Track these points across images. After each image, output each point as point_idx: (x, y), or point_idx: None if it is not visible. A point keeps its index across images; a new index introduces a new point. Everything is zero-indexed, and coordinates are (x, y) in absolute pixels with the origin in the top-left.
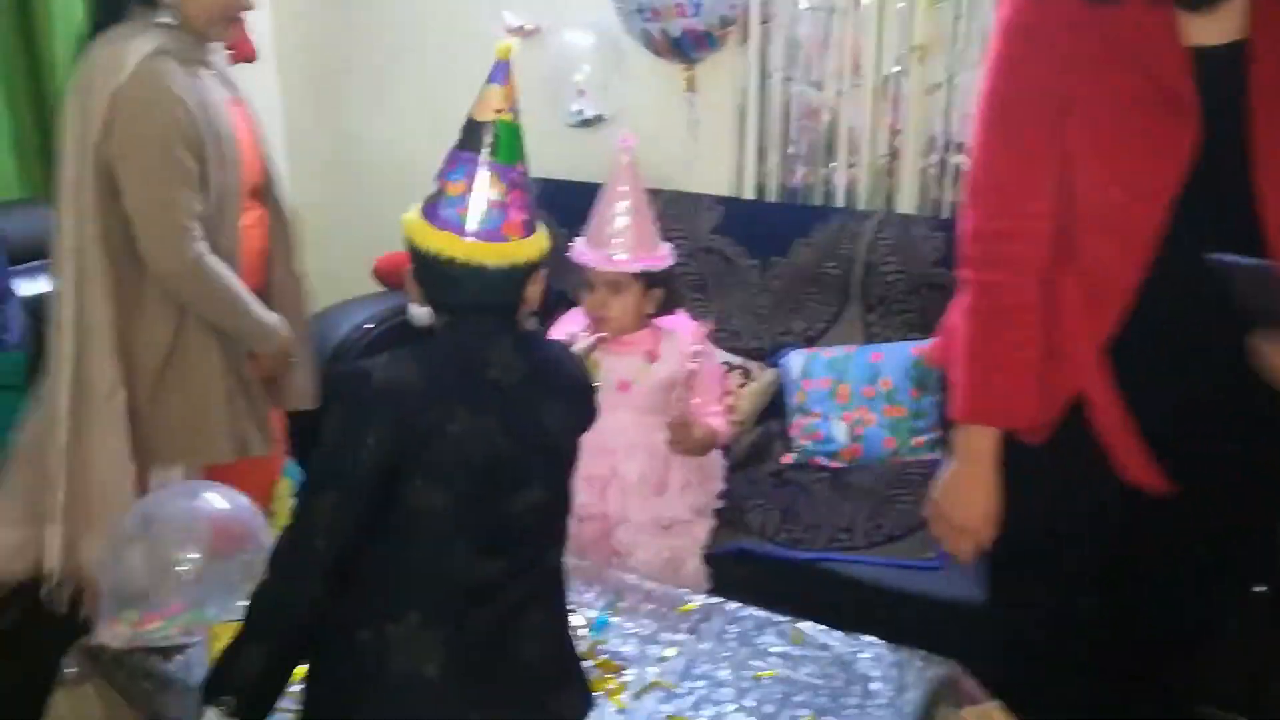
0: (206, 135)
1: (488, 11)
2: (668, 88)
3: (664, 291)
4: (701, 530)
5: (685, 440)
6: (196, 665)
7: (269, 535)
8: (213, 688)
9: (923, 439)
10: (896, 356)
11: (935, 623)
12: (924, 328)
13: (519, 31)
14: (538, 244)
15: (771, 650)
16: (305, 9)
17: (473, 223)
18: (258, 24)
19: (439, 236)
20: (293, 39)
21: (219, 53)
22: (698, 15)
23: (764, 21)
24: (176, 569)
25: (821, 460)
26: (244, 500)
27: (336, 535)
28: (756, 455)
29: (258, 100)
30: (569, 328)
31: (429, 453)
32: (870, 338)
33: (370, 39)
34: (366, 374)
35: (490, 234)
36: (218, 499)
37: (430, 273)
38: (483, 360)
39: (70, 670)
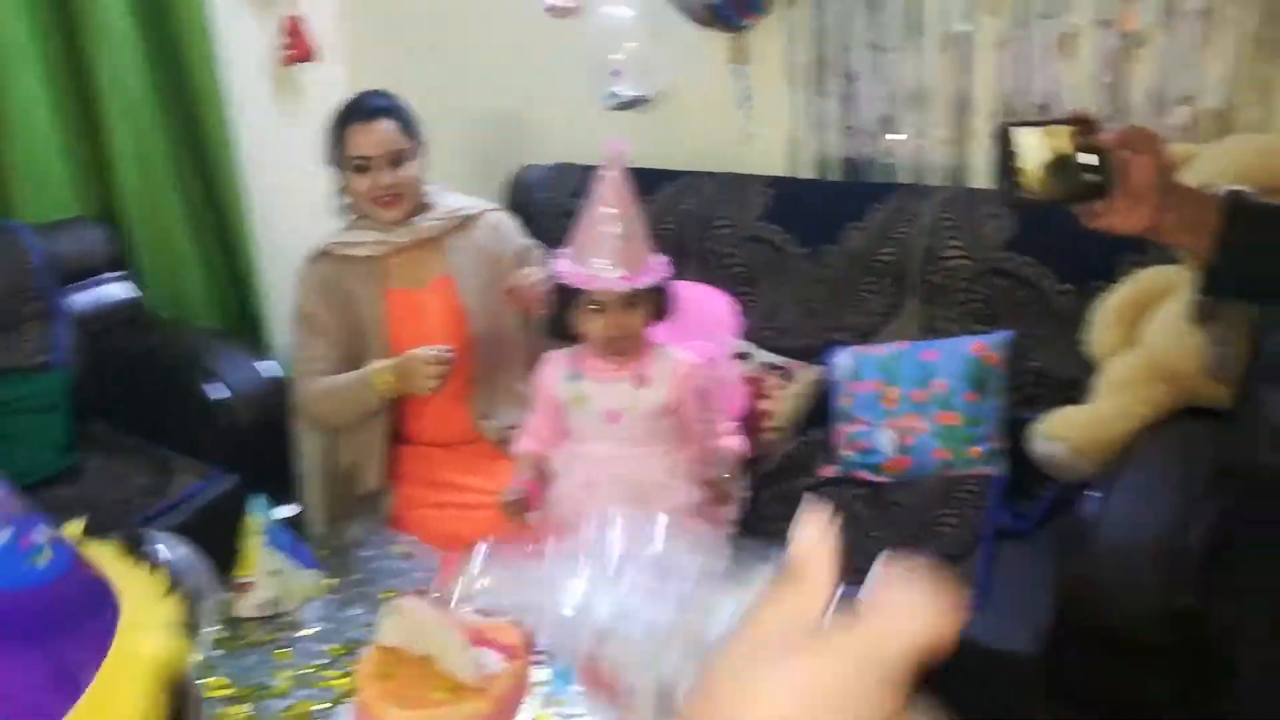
0: None
1: None
2: (714, 62)
3: (652, 305)
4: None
5: (720, 498)
6: None
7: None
8: None
9: (979, 449)
10: (952, 355)
11: (973, 674)
12: (989, 320)
13: (556, 11)
14: None
15: None
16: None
17: None
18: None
19: None
20: (353, 36)
21: None
22: None
23: None
24: None
25: (865, 474)
26: None
27: None
28: (792, 468)
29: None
30: (551, 368)
31: None
32: (931, 333)
33: (418, 25)
34: None
35: None
36: None
37: None
38: None
39: None
